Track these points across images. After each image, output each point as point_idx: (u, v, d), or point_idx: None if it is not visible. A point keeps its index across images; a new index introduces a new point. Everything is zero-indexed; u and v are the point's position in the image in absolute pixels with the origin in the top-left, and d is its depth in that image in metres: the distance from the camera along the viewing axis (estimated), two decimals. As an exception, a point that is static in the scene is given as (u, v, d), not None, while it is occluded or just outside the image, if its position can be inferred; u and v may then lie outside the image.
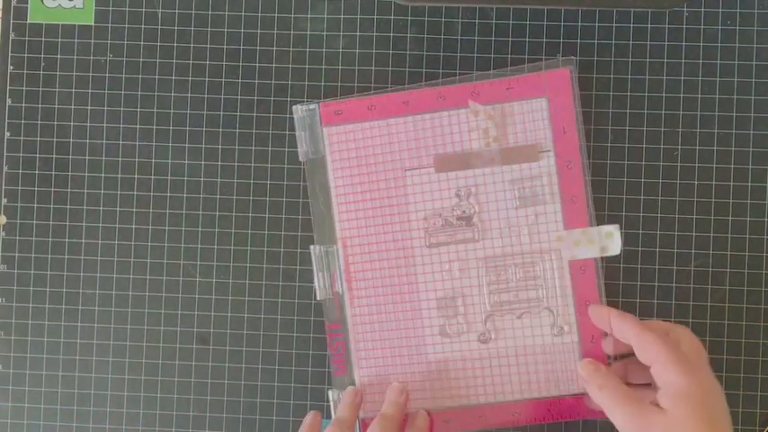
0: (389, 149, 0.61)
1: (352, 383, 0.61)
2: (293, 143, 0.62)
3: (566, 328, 0.59)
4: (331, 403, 0.61)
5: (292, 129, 0.62)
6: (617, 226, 0.59)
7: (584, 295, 0.60)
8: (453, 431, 0.60)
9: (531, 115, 0.60)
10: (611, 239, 0.60)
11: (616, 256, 0.60)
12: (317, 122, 0.61)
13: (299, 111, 0.61)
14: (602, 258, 0.60)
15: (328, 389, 0.61)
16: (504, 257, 0.60)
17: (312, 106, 0.61)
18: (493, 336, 0.60)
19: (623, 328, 0.54)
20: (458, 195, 0.60)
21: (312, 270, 0.61)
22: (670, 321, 0.58)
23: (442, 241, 0.60)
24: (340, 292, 0.61)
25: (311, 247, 0.61)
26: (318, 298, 0.61)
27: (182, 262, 0.63)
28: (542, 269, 0.60)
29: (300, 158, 0.61)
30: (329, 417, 0.61)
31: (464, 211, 0.60)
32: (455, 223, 0.60)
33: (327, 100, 0.61)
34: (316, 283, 0.61)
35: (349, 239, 0.61)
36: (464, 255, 0.60)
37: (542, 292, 0.60)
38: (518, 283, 0.60)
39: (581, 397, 0.60)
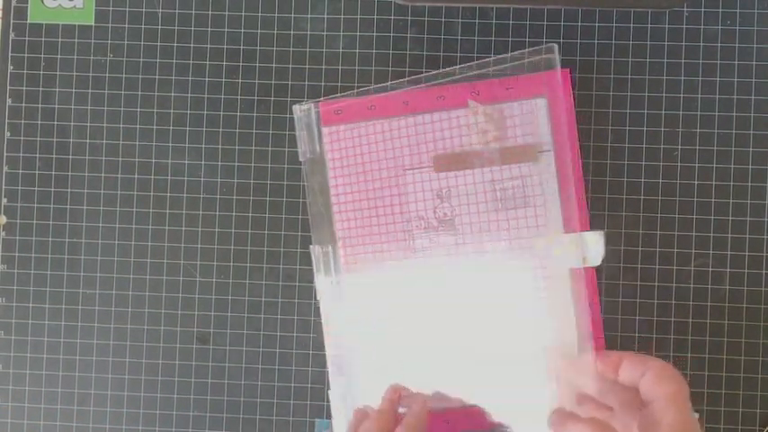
0: (390, 149, 0.61)
1: (351, 383, 0.61)
2: (293, 143, 0.62)
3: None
4: (331, 403, 0.61)
5: (292, 129, 0.62)
6: (601, 233, 0.57)
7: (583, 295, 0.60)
8: None
9: (531, 115, 0.60)
10: (593, 247, 0.57)
11: (616, 256, 0.60)
12: (316, 122, 0.61)
13: (297, 110, 0.61)
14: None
15: (328, 390, 0.61)
16: (505, 257, 0.60)
17: (311, 106, 0.61)
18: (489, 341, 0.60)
19: (634, 372, 0.53)
20: (439, 197, 0.60)
21: (311, 270, 0.61)
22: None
23: (442, 243, 0.60)
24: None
25: (311, 246, 0.61)
26: (318, 297, 0.61)
27: (182, 262, 0.63)
28: (543, 269, 0.60)
29: (300, 158, 0.61)
30: (328, 416, 0.61)
31: (446, 214, 0.60)
32: (454, 223, 0.61)
33: (326, 99, 0.61)
34: (315, 283, 0.61)
35: (348, 239, 0.61)
36: (465, 254, 0.60)
37: (542, 293, 0.60)
38: (519, 284, 0.60)
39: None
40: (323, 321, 0.61)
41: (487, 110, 0.60)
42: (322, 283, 0.61)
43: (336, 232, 0.61)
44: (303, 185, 0.62)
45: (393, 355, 0.61)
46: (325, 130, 0.61)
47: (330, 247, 0.61)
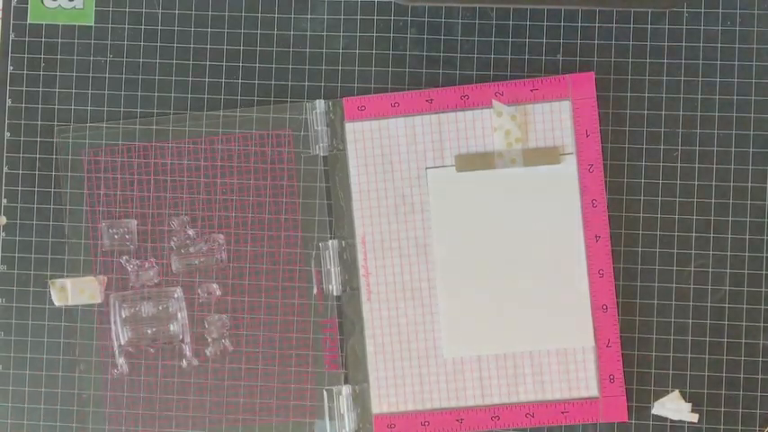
0: (412, 146, 0.61)
1: (365, 380, 0.61)
2: (294, 143, 0.62)
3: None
4: (334, 403, 0.61)
5: (293, 129, 0.62)
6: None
7: (600, 299, 0.60)
8: (466, 430, 0.60)
9: (555, 117, 0.60)
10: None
11: (616, 257, 0.60)
12: (340, 117, 0.61)
13: (321, 105, 0.61)
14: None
15: (324, 390, 0.61)
16: (523, 260, 0.60)
17: (335, 101, 0.61)
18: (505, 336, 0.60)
19: None
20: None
21: (310, 269, 0.61)
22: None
23: (460, 242, 0.61)
24: (357, 287, 0.61)
25: (330, 241, 0.61)
26: (335, 293, 0.61)
27: (181, 262, 0.63)
28: (561, 272, 0.60)
29: (321, 153, 0.61)
30: (331, 417, 0.61)
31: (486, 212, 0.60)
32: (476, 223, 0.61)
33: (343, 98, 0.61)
34: (333, 279, 0.61)
35: (368, 235, 0.61)
36: (484, 254, 0.61)
37: (561, 295, 0.60)
38: (536, 285, 0.60)
39: (595, 400, 0.60)
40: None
41: (511, 111, 0.60)
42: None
43: (357, 228, 0.61)
44: (303, 186, 0.62)
45: (414, 346, 0.61)
46: (348, 126, 0.61)
47: (350, 242, 0.61)
